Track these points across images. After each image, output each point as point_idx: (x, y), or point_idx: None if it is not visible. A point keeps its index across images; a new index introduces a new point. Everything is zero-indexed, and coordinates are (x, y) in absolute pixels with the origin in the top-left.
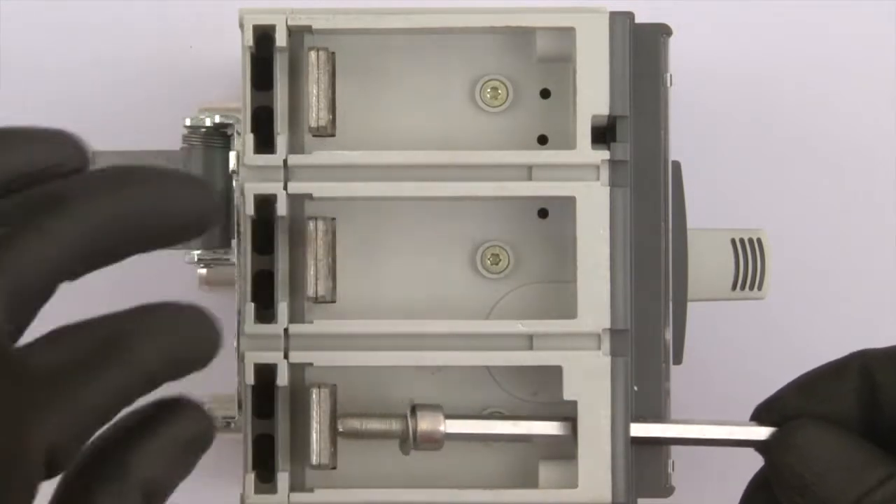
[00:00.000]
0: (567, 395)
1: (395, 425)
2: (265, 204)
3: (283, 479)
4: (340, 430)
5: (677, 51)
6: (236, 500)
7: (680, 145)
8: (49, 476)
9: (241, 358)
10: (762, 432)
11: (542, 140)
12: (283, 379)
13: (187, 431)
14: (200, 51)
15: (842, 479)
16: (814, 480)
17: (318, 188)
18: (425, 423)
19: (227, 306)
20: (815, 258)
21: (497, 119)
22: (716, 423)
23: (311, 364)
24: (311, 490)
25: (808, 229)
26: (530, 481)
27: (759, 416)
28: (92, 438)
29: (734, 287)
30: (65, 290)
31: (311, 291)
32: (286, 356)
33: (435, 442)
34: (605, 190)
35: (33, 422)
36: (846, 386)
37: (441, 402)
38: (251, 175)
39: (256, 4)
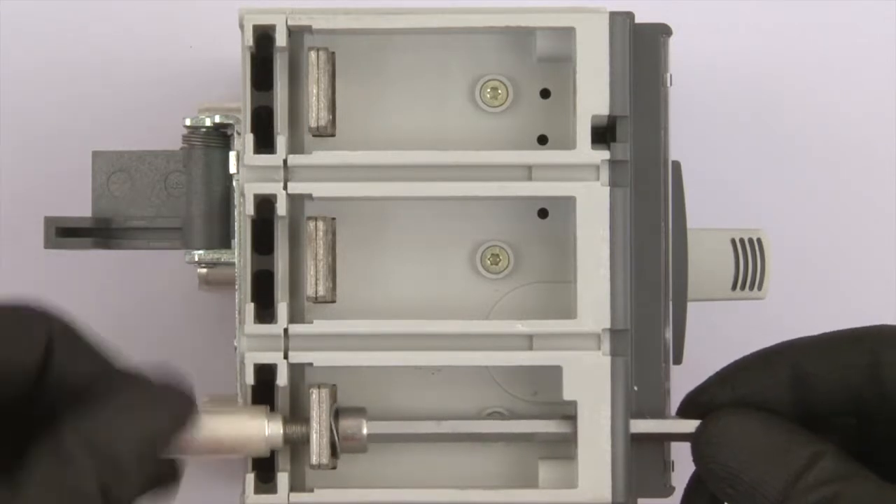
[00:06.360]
0: (567, 395)
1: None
2: (265, 204)
3: (283, 479)
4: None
5: (677, 51)
6: (236, 500)
7: (680, 145)
8: None
9: (241, 358)
10: (690, 425)
11: (542, 140)
12: (282, 379)
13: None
14: (200, 51)
15: (769, 464)
16: (741, 469)
17: (318, 188)
18: (346, 427)
19: (227, 306)
20: (815, 258)
21: (497, 119)
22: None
23: (311, 364)
24: (311, 490)
25: (808, 229)
26: (530, 481)
27: (685, 410)
28: None
29: (734, 287)
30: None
31: (310, 291)
32: (286, 356)
33: (356, 441)
34: (605, 190)
35: None
36: (776, 377)
37: (441, 403)
38: (251, 175)
39: (256, 4)
